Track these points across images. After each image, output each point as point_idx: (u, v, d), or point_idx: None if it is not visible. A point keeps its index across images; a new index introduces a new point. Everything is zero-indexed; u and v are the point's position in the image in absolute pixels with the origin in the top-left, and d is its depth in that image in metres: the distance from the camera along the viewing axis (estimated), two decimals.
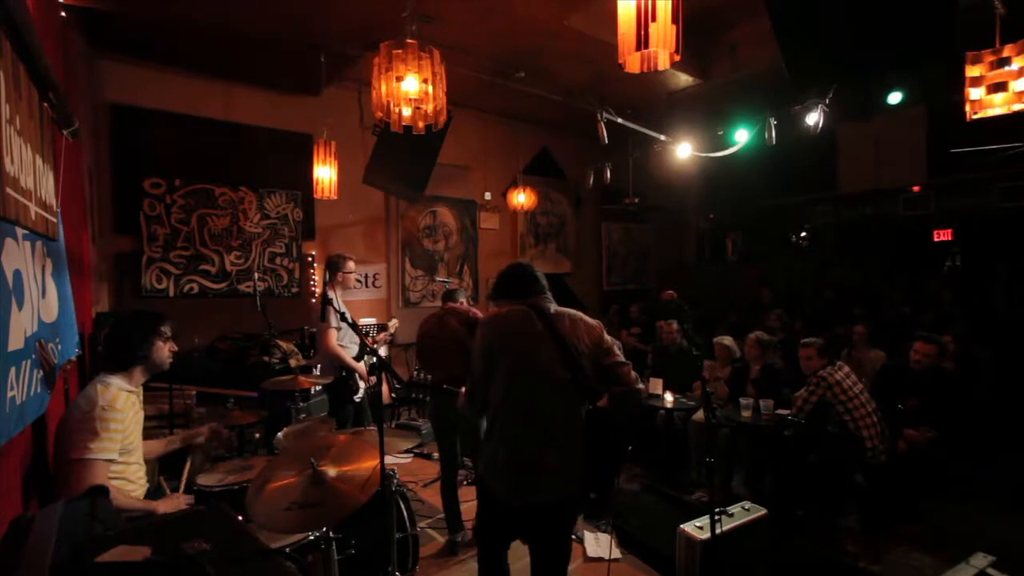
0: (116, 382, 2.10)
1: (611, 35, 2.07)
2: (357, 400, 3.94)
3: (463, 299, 3.62)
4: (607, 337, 2.08)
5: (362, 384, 3.92)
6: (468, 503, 3.34)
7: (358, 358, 3.87)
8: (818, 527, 3.56)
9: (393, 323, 4.57)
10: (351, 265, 3.98)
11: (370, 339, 4.26)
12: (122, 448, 2.04)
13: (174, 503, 2.16)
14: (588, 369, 2.00)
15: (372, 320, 6.07)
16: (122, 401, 2.06)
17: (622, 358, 2.07)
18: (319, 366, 3.91)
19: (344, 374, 3.83)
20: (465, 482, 4.02)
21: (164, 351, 2.27)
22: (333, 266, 3.93)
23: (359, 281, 4.16)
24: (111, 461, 1.98)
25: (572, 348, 1.99)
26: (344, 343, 3.84)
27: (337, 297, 3.88)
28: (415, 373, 5.77)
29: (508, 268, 2.27)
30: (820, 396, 3.62)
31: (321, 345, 3.87)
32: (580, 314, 2.12)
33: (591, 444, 2.05)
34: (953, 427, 3.68)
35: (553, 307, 2.11)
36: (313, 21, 4.30)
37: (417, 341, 3.65)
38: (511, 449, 2.01)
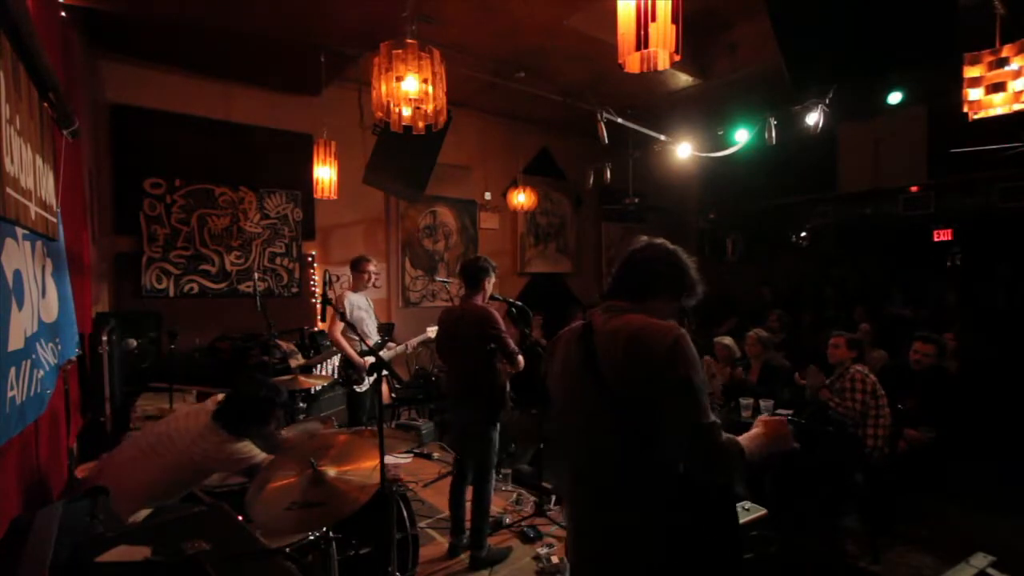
0: None
1: (611, 35, 2.07)
2: (359, 391, 4.21)
3: (485, 284, 3.13)
4: (679, 365, 1.28)
5: (368, 378, 4.15)
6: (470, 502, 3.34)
7: (369, 353, 3.97)
8: (818, 527, 3.55)
9: (432, 329, 4.62)
10: (367, 266, 4.34)
11: (369, 340, 4.32)
12: None
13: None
14: (637, 417, 1.32)
15: None
16: None
17: (704, 413, 1.28)
18: (331, 359, 4.47)
19: (352, 370, 4.17)
20: None
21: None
22: (352, 266, 4.37)
23: (369, 279, 4.44)
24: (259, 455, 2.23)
25: (613, 385, 1.34)
26: (353, 335, 4.03)
27: (349, 296, 4.25)
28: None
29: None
30: (869, 394, 3.59)
31: (330, 336, 4.28)
32: (648, 324, 1.36)
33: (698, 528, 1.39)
34: (953, 427, 3.68)
35: (615, 319, 1.42)
36: (313, 21, 4.30)
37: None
38: (567, 519, 1.59)
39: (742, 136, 5.35)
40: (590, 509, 1.48)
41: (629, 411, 1.34)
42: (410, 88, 2.53)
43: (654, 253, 1.52)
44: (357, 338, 3.97)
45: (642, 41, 1.90)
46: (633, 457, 1.36)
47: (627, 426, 1.35)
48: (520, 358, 3.14)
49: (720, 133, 5.61)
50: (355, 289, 4.36)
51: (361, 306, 4.31)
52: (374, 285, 4.52)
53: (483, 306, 3.12)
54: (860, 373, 3.66)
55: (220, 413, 2.23)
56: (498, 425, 3.15)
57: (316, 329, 5.42)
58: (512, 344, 3.10)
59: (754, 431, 1.47)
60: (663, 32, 1.88)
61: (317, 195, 4.49)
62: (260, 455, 2.21)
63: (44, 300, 1.96)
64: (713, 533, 1.40)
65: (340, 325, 4.04)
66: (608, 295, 1.54)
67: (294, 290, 5.71)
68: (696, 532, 1.37)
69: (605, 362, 1.37)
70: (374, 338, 4.31)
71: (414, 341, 4.57)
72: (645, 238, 1.59)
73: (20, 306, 1.62)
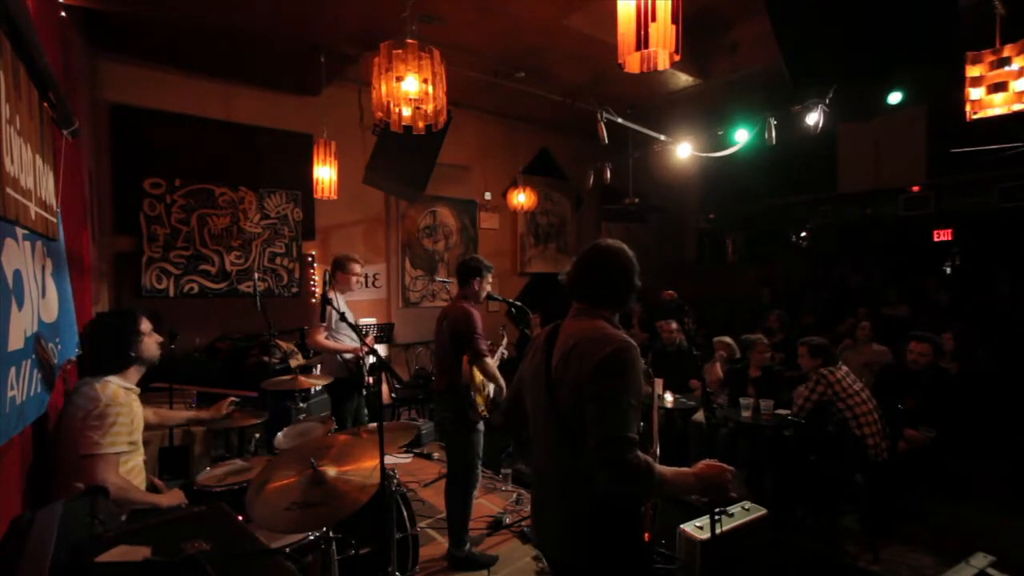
0: (114, 380, 2.11)
1: (611, 35, 2.07)
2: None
3: (475, 284, 3.12)
4: (606, 377, 1.33)
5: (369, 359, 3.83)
6: None
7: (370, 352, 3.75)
8: (818, 527, 3.56)
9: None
10: (355, 268, 3.92)
11: (370, 339, 4.22)
12: (128, 442, 2.05)
13: (175, 497, 2.17)
14: (573, 418, 1.38)
15: (372, 320, 6.08)
16: (123, 396, 2.08)
17: (619, 426, 1.29)
18: (319, 366, 3.96)
19: (355, 368, 3.80)
20: None
21: (152, 345, 2.27)
22: (337, 265, 3.91)
23: (358, 282, 4.07)
24: (120, 454, 2.00)
25: (555, 389, 1.45)
26: (340, 337, 3.83)
27: (337, 296, 3.84)
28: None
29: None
30: (820, 394, 3.63)
31: (310, 343, 3.88)
32: (595, 333, 1.43)
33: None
34: (953, 426, 3.68)
35: (576, 323, 1.51)
36: (313, 21, 4.30)
37: None
38: (532, 489, 1.72)
39: (742, 136, 5.35)
40: (541, 501, 1.61)
41: (566, 416, 1.41)
42: (410, 88, 2.53)
43: (601, 257, 1.55)
44: (346, 337, 3.79)
45: (642, 41, 1.90)
46: (569, 461, 1.42)
47: (565, 431, 1.41)
48: (488, 361, 2.98)
49: (720, 133, 5.61)
50: (341, 291, 3.93)
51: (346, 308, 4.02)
52: (368, 285, 4.32)
53: (464, 306, 3.05)
54: (817, 374, 3.68)
55: (81, 361, 2.08)
56: (476, 427, 3.06)
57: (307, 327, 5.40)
58: (482, 346, 2.95)
59: (690, 468, 1.45)
60: (663, 32, 1.88)
61: (317, 195, 4.47)
62: (120, 433, 1.99)
63: (44, 300, 1.96)
64: (621, 547, 1.44)
65: (322, 332, 3.72)
66: (569, 297, 1.59)
67: (294, 290, 5.71)
68: (610, 542, 1.43)
69: (553, 367, 1.46)
70: (350, 341, 3.90)
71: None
72: (603, 241, 1.61)
73: (20, 306, 1.62)
